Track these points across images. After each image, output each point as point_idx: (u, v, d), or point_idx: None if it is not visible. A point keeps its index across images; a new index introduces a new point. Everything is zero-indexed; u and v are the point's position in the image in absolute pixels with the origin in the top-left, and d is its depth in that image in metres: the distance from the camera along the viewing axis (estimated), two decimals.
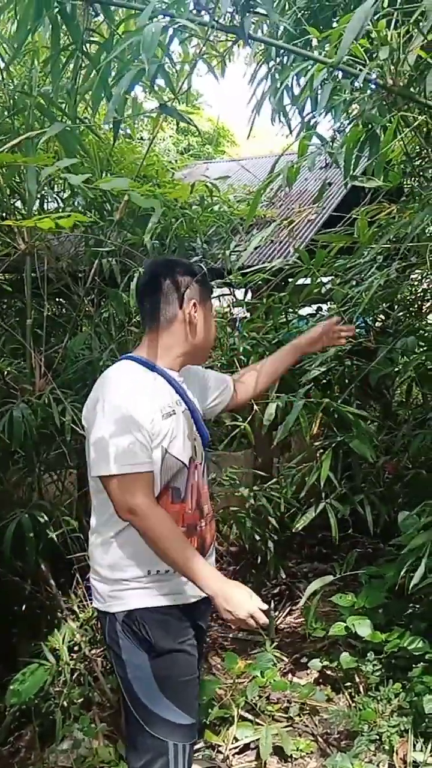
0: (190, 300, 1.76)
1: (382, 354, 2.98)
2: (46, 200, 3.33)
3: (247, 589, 1.62)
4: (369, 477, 3.57)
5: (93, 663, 2.73)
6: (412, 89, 2.22)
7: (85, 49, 1.91)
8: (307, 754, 2.45)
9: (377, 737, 2.38)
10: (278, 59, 2.78)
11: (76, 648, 2.75)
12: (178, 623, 1.73)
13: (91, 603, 2.88)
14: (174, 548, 1.62)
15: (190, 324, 1.77)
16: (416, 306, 3.53)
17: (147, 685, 1.68)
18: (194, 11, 1.88)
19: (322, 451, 2.93)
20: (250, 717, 2.60)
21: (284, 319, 3.43)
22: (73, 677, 2.65)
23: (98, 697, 2.66)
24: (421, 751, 2.31)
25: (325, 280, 3.27)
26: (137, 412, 1.63)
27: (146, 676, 1.68)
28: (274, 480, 3.45)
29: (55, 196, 3.49)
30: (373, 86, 2.07)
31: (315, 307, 4.32)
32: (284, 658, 3.00)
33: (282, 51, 2.56)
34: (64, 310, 3.91)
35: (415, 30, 1.85)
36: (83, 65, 2.01)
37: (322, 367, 3.07)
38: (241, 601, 1.58)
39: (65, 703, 2.54)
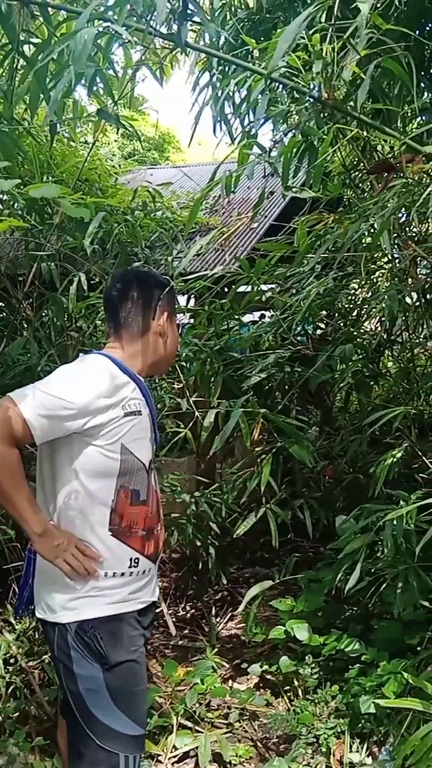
0: (162, 312, 1.82)
1: (321, 361, 3.03)
2: None
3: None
4: (309, 482, 3.62)
5: (30, 675, 2.66)
6: (352, 103, 2.28)
7: (22, 50, 1.88)
8: (246, 759, 2.45)
9: (314, 740, 2.41)
10: (219, 68, 2.82)
11: (12, 660, 2.67)
12: (130, 632, 1.72)
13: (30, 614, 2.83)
14: (10, 485, 1.58)
15: (161, 335, 1.83)
16: (354, 315, 3.61)
17: (100, 697, 1.65)
18: (134, 18, 1.88)
19: (263, 456, 2.96)
20: (189, 725, 2.59)
21: (226, 326, 3.45)
22: (9, 691, 2.58)
23: (35, 711, 2.59)
24: (357, 751, 2.35)
25: (265, 288, 3.32)
26: (88, 404, 1.61)
27: (99, 688, 1.65)
28: (216, 486, 3.46)
29: None
30: (310, 99, 2.12)
31: (258, 314, 4.38)
32: (225, 664, 3.00)
33: (222, 60, 2.58)
34: (2, 314, 3.83)
35: (349, 45, 1.90)
36: (19, 66, 1.98)
37: (263, 374, 3.11)
38: (70, 542, 1.63)
39: (0, 718, 2.47)
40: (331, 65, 1.84)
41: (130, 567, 1.71)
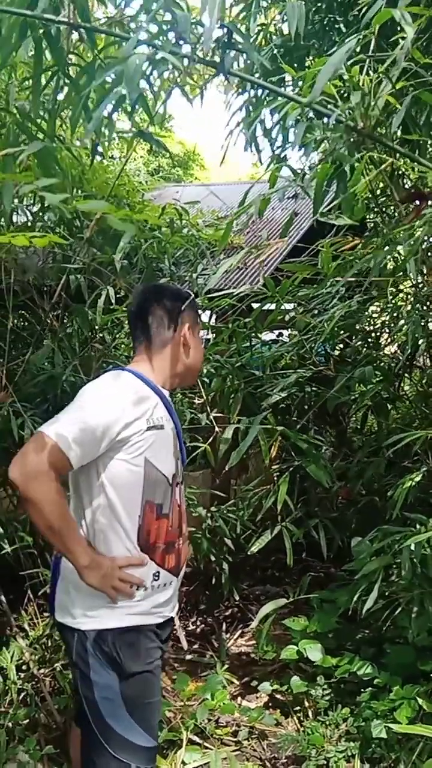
0: (184, 324, 1.84)
1: (341, 382, 3.06)
2: (16, 213, 3.32)
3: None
4: (324, 502, 3.63)
5: (41, 683, 2.68)
6: (378, 130, 2.33)
7: (67, 71, 1.94)
8: None
9: (324, 762, 2.40)
10: (253, 92, 2.88)
11: (24, 667, 2.70)
12: (147, 644, 1.73)
13: (43, 621, 2.86)
14: (58, 521, 1.59)
15: (184, 347, 1.85)
16: (374, 337, 3.63)
17: (115, 706, 1.67)
18: (175, 43, 1.94)
19: (279, 474, 2.98)
20: (198, 740, 2.59)
21: (248, 344, 3.48)
22: (20, 697, 2.60)
23: (44, 719, 2.61)
24: None
25: (288, 307, 3.36)
26: (116, 419, 1.64)
27: (115, 697, 1.67)
28: (232, 502, 3.48)
29: (25, 209, 3.49)
30: (343, 127, 2.16)
31: (277, 333, 4.41)
32: (234, 681, 3.00)
33: (258, 86, 2.64)
34: (27, 323, 3.89)
35: (385, 77, 1.95)
36: (63, 85, 2.04)
37: (283, 393, 3.13)
38: (114, 567, 1.66)
39: (10, 725, 2.48)
40: (368, 95, 1.88)
41: (153, 581, 1.73)
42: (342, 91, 2.13)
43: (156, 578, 1.74)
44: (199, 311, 1.94)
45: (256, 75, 2.74)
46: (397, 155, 2.38)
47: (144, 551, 1.72)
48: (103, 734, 1.67)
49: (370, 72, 1.96)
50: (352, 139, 2.15)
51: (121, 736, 1.66)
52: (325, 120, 2.23)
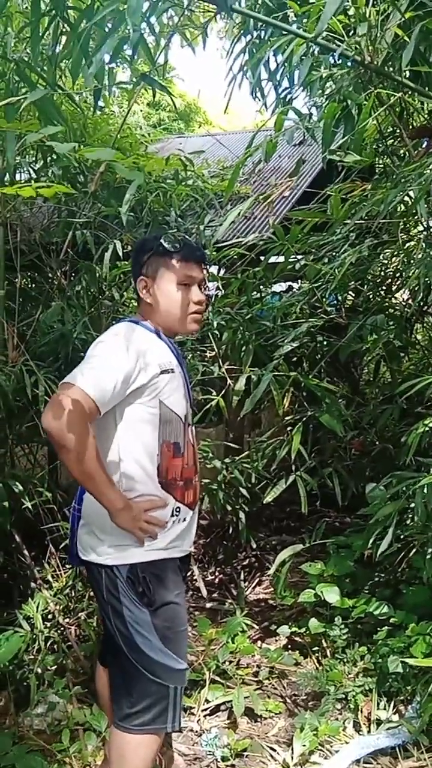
0: (140, 280, 1.88)
1: (353, 331, 3.04)
2: (19, 170, 3.29)
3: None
4: (337, 452, 3.66)
5: (67, 631, 2.77)
6: (387, 66, 2.26)
7: (66, 16, 1.90)
8: (275, 714, 2.54)
9: (343, 696, 2.48)
10: (256, 33, 2.79)
11: (50, 617, 2.78)
12: (173, 576, 1.83)
13: (66, 573, 2.93)
14: (93, 466, 1.65)
15: (150, 298, 1.87)
16: (386, 284, 3.59)
17: (148, 636, 1.76)
18: None
19: (292, 426, 2.99)
20: (220, 681, 2.68)
21: (258, 295, 3.46)
22: (47, 645, 2.68)
23: (72, 665, 2.70)
24: (385, 709, 2.42)
25: (299, 257, 3.31)
26: (133, 366, 1.70)
27: (148, 629, 1.77)
28: (246, 453, 3.51)
29: (27, 167, 3.45)
30: (350, 63, 2.10)
31: (286, 285, 4.37)
32: (254, 626, 3.08)
33: (260, 25, 2.56)
34: (35, 282, 3.88)
35: (393, 8, 1.88)
36: (63, 31, 2.00)
37: (295, 343, 3.12)
38: (140, 510, 1.74)
39: (39, 670, 2.57)
40: (375, 28, 1.82)
41: (173, 516, 1.82)
42: (348, 29, 2.06)
43: (177, 513, 1.83)
44: (175, 258, 1.85)
45: (260, 14, 2.66)
46: (407, 92, 2.32)
47: (165, 489, 1.80)
48: (140, 662, 1.76)
49: (378, 3, 1.89)
50: (359, 77, 2.09)
51: (156, 661, 1.76)
52: (331, 59, 2.17)
